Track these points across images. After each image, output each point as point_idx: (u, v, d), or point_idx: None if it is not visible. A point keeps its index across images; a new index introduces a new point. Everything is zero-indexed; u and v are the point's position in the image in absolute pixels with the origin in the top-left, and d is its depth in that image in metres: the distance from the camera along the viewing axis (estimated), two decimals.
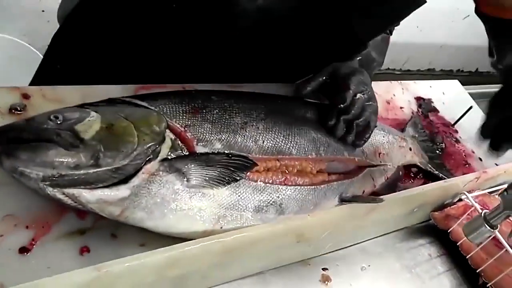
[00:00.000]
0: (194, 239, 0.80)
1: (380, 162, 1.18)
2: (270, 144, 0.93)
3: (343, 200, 1.02)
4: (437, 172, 1.34)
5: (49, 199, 0.77)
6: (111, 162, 0.76)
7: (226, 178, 0.84)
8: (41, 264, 0.76)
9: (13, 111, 0.91)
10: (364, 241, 1.13)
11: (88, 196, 0.75)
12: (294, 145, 0.96)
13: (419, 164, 1.34)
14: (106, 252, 0.80)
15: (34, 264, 0.75)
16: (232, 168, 0.84)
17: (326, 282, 1.01)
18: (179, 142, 0.84)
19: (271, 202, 0.89)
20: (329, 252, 1.06)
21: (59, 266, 0.75)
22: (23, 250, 0.77)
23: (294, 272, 1.00)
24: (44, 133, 0.75)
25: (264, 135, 0.93)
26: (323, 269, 1.03)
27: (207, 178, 0.82)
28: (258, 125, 0.93)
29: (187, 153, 0.83)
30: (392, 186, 1.21)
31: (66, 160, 0.73)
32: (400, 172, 1.26)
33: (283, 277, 0.98)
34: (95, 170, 0.75)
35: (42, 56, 1.28)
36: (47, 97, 0.97)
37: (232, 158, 0.85)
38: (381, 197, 1.02)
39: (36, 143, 0.73)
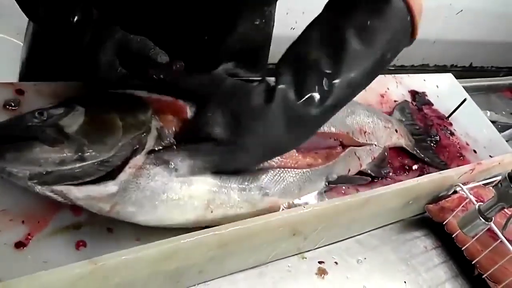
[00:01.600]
0: (187, 227, 0.81)
1: (366, 141, 1.18)
2: None
3: (330, 183, 1.02)
4: (423, 155, 1.35)
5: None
6: (96, 155, 0.76)
7: (215, 163, 0.83)
8: (38, 259, 0.76)
9: (8, 107, 0.91)
10: (359, 234, 1.13)
11: (77, 192, 0.75)
12: None
13: (405, 146, 1.34)
14: (102, 246, 0.80)
15: (30, 258, 0.75)
16: (217, 154, 0.83)
17: (323, 275, 1.01)
18: (167, 131, 0.84)
19: (254, 184, 0.89)
20: (325, 245, 1.07)
21: (56, 260, 0.75)
22: (19, 244, 0.77)
23: (290, 266, 1.00)
24: (28, 131, 0.75)
25: None
26: (319, 262, 1.03)
27: (195, 168, 0.82)
28: None
29: (174, 142, 0.83)
30: (379, 166, 1.22)
31: (51, 156, 0.73)
32: (386, 153, 1.26)
33: (279, 271, 0.98)
34: (80, 165, 0.75)
35: None
36: (42, 92, 0.96)
37: (220, 144, 0.82)
38: (380, 188, 1.03)
39: (21, 142, 0.73)
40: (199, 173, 0.83)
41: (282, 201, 0.95)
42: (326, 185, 1.02)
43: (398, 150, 1.33)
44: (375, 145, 1.21)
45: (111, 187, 0.77)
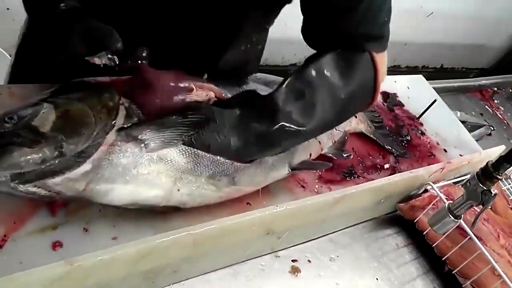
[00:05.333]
0: (155, 205, 0.83)
1: None
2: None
3: (293, 169, 1.03)
4: (383, 142, 1.37)
5: (22, 195, 0.76)
6: (74, 148, 0.75)
7: (183, 136, 0.84)
8: (13, 260, 0.75)
9: None
10: (332, 232, 1.15)
11: (54, 179, 0.74)
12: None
13: (365, 131, 1.35)
14: (79, 247, 0.80)
15: (6, 259, 0.74)
16: (188, 125, 0.85)
17: (296, 273, 1.02)
18: (134, 108, 0.84)
19: (225, 173, 0.90)
20: (298, 244, 1.08)
21: (32, 261, 0.74)
22: None
23: (264, 264, 1.01)
24: (3, 137, 0.74)
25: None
26: (293, 260, 1.05)
27: (164, 140, 0.83)
28: None
29: (142, 118, 0.84)
30: (340, 149, 1.23)
31: (32, 157, 0.72)
32: (346, 137, 1.28)
33: (252, 270, 0.99)
34: (61, 159, 0.74)
35: (8, 55, 1.26)
36: (15, 95, 0.96)
37: (188, 116, 0.85)
38: (352, 187, 1.04)
39: None
40: (168, 146, 0.84)
41: (248, 190, 0.96)
42: (289, 171, 1.03)
43: (369, 148, 1.35)
44: (335, 129, 1.23)
45: (85, 165, 0.76)
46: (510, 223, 1.33)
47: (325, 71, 0.94)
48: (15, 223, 0.79)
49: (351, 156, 1.24)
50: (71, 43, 0.88)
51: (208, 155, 0.87)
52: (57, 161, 0.74)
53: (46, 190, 0.75)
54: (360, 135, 1.34)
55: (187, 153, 0.85)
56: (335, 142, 1.23)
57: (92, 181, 0.77)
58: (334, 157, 1.19)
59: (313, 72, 0.93)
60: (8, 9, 2.07)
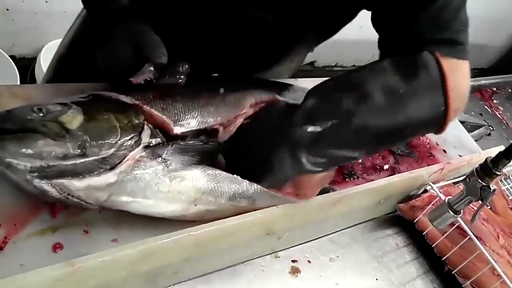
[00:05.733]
0: (173, 218, 0.85)
1: None
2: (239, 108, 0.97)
3: None
4: None
5: (22, 197, 0.77)
6: (97, 152, 0.76)
7: (200, 160, 0.86)
8: (14, 262, 0.75)
9: None
10: (332, 233, 1.15)
11: (78, 183, 0.75)
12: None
13: None
14: (79, 249, 0.80)
15: (6, 262, 0.75)
16: (206, 151, 0.87)
17: (296, 273, 1.02)
18: (157, 130, 0.86)
19: (245, 195, 0.90)
20: (298, 244, 1.08)
21: (32, 263, 0.74)
22: None
23: (264, 265, 1.01)
24: (29, 124, 0.74)
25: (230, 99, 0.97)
26: (293, 261, 1.05)
27: (184, 162, 0.84)
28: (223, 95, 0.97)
29: (166, 140, 0.85)
30: None
31: (54, 150, 0.72)
32: None
33: (253, 270, 0.99)
34: (82, 160, 0.75)
35: (7, 55, 1.26)
36: (17, 95, 0.96)
37: (206, 142, 0.88)
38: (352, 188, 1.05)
39: (23, 133, 0.72)
40: (188, 168, 0.85)
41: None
42: None
43: None
44: None
45: (110, 176, 0.77)
46: (509, 223, 1.33)
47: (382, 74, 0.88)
48: (15, 225, 0.79)
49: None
50: (117, 42, 0.92)
51: (228, 176, 0.88)
52: (78, 162, 0.74)
53: (59, 191, 0.75)
54: None
55: (209, 174, 0.87)
56: None
57: (114, 192, 0.79)
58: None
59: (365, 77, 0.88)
60: (7, 9, 2.07)
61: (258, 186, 0.89)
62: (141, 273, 0.80)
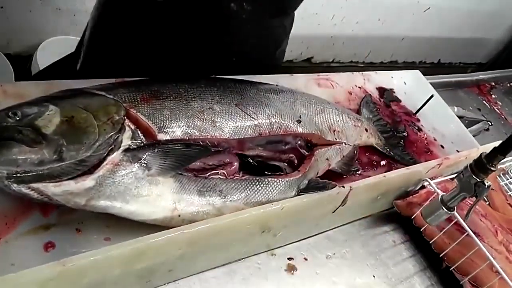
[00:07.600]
0: (157, 224, 0.84)
1: (335, 139, 1.18)
2: (229, 125, 0.95)
3: (301, 191, 1.02)
4: (393, 154, 1.36)
5: (13, 196, 0.76)
6: (74, 155, 0.75)
7: (183, 164, 0.86)
8: (5, 261, 0.75)
9: None
10: (329, 230, 1.14)
11: (54, 189, 0.74)
12: (250, 123, 0.99)
13: (375, 145, 1.35)
14: (71, 247, 0.80)
15: None
16: (189, 155, 0.86)
17: (292, 271, 1.02)
18: (139, 132, 0.85)
19: (232, 198, 0.91)
20: (294, 242, 1.07)
21: (24, 263, 0.74)
22: None
23: (260, 263, 1.00)
24: (4, 132, 0.74)
25: (221, 116, 0.95)
26: (289, 258, 1.04)
27: (165, 166, 0.83)
28: (214, 107, 0.95)
29: (147, 142, 0.84)
30: (348, 164, 1.23)
31: (30, 157, 0.72)
32: (356, 151, 1.27)
33: (248, 268, 0.98)
34: (59, 165, 0.74)
35: (2, 53, 1.25)
36: (8, 93, 0.95)
37: (190, 146, 0.87)
38: (349, 184, 1.04)
39: None
40: (169, 172, 0.84)
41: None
42: (296, 194, 1.02)
43: (366, 146, 1.34)
44: (345, 143, 1.22)
45: (88, 181, 0.77)
46: (508, 218, 1.33)
47: None
48: (6, 224, 0.79)
49: (359, 171, 1.24)
50: None
51: (213, 179, 0.89)
52: (55, 166, 0.74)
53: (38, 194, 0.75)
54: None
55: (188, 177, 0.87)
56: (343, 157, 1.22)
57: (93, 197, 0.78)
58: (342, 172, 1.19)
59: None
60: (2, 7, 2.06)
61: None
62: (135, 272, 0.80)
